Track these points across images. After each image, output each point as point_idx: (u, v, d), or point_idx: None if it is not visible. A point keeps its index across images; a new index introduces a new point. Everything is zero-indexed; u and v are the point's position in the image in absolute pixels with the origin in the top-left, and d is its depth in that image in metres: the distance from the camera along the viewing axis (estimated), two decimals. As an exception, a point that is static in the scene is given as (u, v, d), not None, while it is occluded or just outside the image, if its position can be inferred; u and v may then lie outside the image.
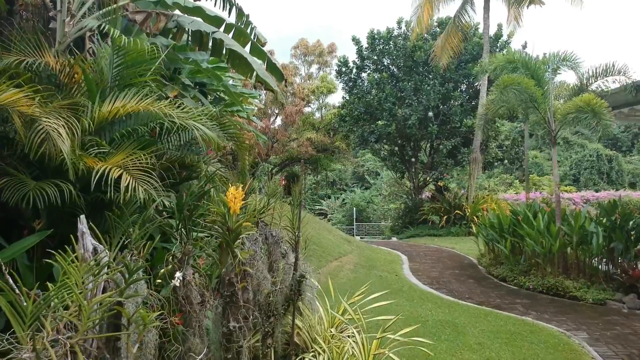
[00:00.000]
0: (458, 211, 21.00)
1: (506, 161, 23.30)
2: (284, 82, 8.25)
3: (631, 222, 10.07)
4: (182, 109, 4.89)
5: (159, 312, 3.87)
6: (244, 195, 4.64)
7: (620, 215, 10.07)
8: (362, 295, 5.97)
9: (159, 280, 3.86)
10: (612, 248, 10.00)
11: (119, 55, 4.96)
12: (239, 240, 4.53)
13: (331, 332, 5.49)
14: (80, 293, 2.70)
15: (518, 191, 35.69)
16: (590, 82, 10.81)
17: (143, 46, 4.96)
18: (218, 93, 8.79)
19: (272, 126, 28.15)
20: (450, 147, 22.09)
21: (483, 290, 10.54)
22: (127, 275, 3.19)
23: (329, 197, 41.19)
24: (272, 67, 8.14)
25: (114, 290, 3.26)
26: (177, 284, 3.48)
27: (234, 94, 8.37)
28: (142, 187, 3.86)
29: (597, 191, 33.11)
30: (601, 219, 10.35)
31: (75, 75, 4.94)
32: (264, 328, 5.06)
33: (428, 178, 24.82)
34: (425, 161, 24.63)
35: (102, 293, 3.23)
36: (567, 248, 10.37)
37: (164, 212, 5.33)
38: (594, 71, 10.67)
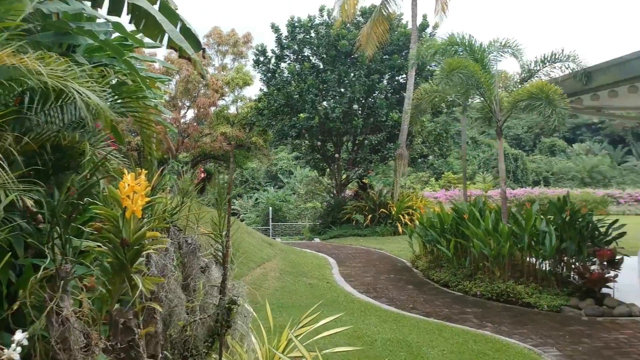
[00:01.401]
0: (383, 210, 20.02)
1: (430, 157, 22.62)
2: (201, 52, 6.64)
3: (580, 219, 9.36)
4: (59, 66, 3.22)
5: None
6: (149, 189, 3.02)
7: (570, 212, 9.31)
8: (308, 326, 4.50)
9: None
10: (563, 249, 9.22)
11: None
12: (141, 259, 2.92)
13: (271, 376, 4.01)
14: None
15: (435, 189, 35.81)
16: (538, 68, 9.99)
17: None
18: (119, 76, 7.06)
19: (182, 120, 25.93)
20: (376, 142, 20.99)
21: (426, 298, 9.41)
22: None
23: (241, 197, 39.31)
24: (186, 33, 6.47)
25: None
26: (15, 358, 1.83)
27: (141, 77, 6.64)
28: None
29: (513, 189, 33.71)
30: (550, 217, 9.55)
31: None
32: (178, 375, 3.52)
33: (351, 175, 23.66)
34: (347, 158, 23.42)
35: None
36: (515, 249, 9.48)
37: (39, 215, 3.61)
38: (543, 57, 9.86)
